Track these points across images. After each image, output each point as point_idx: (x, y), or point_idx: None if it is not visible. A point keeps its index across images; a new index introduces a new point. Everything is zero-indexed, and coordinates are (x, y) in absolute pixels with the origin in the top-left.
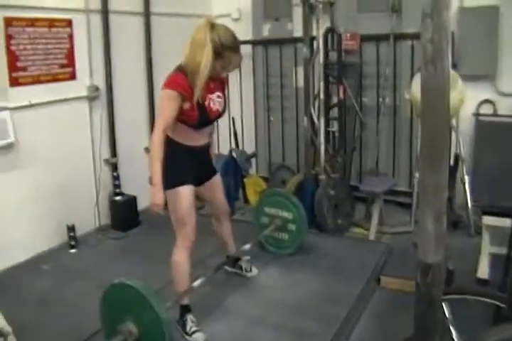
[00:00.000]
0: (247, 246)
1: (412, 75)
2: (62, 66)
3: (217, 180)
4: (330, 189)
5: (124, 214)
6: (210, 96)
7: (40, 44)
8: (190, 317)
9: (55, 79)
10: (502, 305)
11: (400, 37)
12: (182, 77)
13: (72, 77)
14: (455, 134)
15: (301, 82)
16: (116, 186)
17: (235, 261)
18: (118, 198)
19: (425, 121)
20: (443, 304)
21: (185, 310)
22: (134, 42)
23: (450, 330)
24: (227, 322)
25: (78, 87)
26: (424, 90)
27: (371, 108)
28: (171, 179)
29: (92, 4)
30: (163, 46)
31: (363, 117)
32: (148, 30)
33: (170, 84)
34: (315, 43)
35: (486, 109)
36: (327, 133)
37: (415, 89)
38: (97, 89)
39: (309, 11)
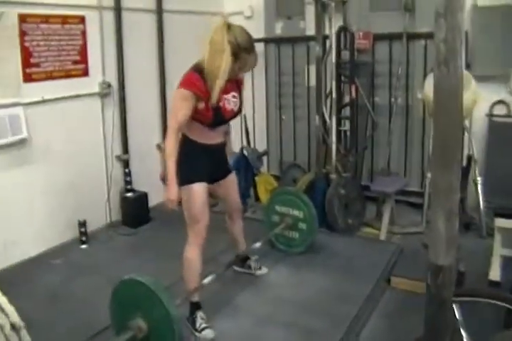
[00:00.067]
0: (258, 244)
1: (425, 75)
2: (75, 62)
3: (232, 178)
4: (341, 188)
5: (135, 210)
6: (226, 96)
7: (53, 40)
8: (200, 314)
9: (67, 75)
10: None
11: (413, 36)
12: (197, 77)
13: (85, 73)
14: (468, 135)
15: (313, 81)
16: (128, 182)
17: (243, 261)
18: (129, 194)
19: (438, 122)
20: (453, 306)
21: (196, 307)
22: (146, 39)
23: (460, 332)
24: (236, 320)
25: (91, 83)
26: (437, 90)
27: (383, 107)
28: (185, 176)
29: (104, 1)
30: (176, 43)
31: (375, 116)
32: (160, 27)
33: (185, 83)
34: (327, 42)
35: (500, 110)
36: (339, 132)
37: (428, 89)
38: (109, 85)
39: (322, 9)
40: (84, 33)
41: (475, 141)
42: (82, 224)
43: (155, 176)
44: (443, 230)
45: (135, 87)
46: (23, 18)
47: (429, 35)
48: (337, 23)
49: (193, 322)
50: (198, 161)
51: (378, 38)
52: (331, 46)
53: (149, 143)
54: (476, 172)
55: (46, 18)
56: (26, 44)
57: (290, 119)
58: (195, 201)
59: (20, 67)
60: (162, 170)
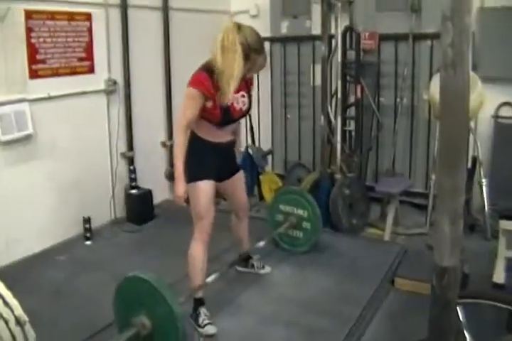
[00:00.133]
0: (261, 243)
1: (431, 76)
2: (81, 59)
3: (239, 176)
4: (345, 188)
5: (140, 207)
6: (235, 95)
7: (59, 37)
8: (203, 310)
9: (73, 72)
10: None
11: (419, 37)
12: (205, 77)
13: (91, 70)
14: (473, 136)
15: (318, 80)
16: (132, 179)
17: (246, 260)
18: (134, 191)
19: (444, 124)
20: (457, 308)
21: (199, 303)
22: (152, 37)
23: (464, 334)
24: (239, 318)
25: (96, 80)
26: (443, 92)
27: (388, 108)
28: (192, 173)
29: None
30: (181, 41)
31: (380, 117)
32: (166, 25)
33: (193, 83)
34: (333, 42)
35: (505, 112)
36: (344, 132)
37: (434, 89)
38: (114, 83)
39: (328, 9)
40: (90, 30)
41: (480, 143)
42: (87, 220)
43: (159, 173)
44: (448, 232)
45: (141, 84)
46: (29, 15)
47: (435, 36)
48: (343, 22)
49: (196, 318)
50: (206, 159)
51: (384, 38)
52: (336, 46)
53: (154, 140)
54: (481, 173)
55: (52, 15)
56: (32, 40)
57: (295, 118)
58: (201, 198)
59: (26, 64)
60: (167, 167)
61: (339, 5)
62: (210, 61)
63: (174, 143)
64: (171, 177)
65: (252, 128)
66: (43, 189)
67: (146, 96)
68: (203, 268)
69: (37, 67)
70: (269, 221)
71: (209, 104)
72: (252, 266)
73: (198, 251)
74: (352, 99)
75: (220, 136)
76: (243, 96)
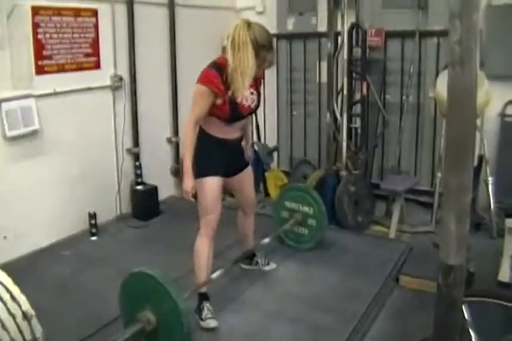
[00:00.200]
0: (267, 240)
1: (437, 73)
2: (87, 55)
3: (247, 172)
4: (351, 185)
5: (145, 203)
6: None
7: (65, 33)
8: (207, 305)
9: (79, 68)
10: None
11: (425, 34)
12: (215, 74)
13: (97, 66)
14: (479, 134)
15: (324, 77)
16: (138, 175)
17: (250, 258)
18: (139, 187)
19: (451, 121)
20: (462, 306)
21: (203, 297)
22: (158, 33)
23: (469, 333)
24: (243, 315)
25: (102, 76)
26: (451, 90)
27: (394, 105)
28: (200, 169)
29: None
30: (187, 37)
31: (386, 114)
32: (172, 21)
33: (202, 80)
34: (339, 39)
35: None
36: (349, 129)
37: (440, 87)
38: (120, 78)
39: (334, 5)
40: (96, 26)
41: (487, 141)
42: (93, 216)
43: (165, 169)
44: (454, 230)
45: (146, 80)
46: (35, 10)
47: (441, 33)
48: (349, 19)
49: (200, 312)
50: (214, 155)
51: (390, 35)
52: (342, 43)
53: (160, 136)
54: (488, 172)
55: (59, 11)
56: (39, 36)
57: (301, 115)
58: (208, 194)
59: (32, 60)
60: (172, 163)
61: (345, 1)
62: (220, 58)
63: (183, 139)
64: (176, 173)
65: (257, 125)
66: (49, 184)
67: (152, 92)
68: (208, 263)
69: (43, 62)
70: (275, 218)
71: (218, 101)
72: (257, 263)
73: (203, 246)
74: (358, 96)
75: (228, 133)
76: (252, 93)
